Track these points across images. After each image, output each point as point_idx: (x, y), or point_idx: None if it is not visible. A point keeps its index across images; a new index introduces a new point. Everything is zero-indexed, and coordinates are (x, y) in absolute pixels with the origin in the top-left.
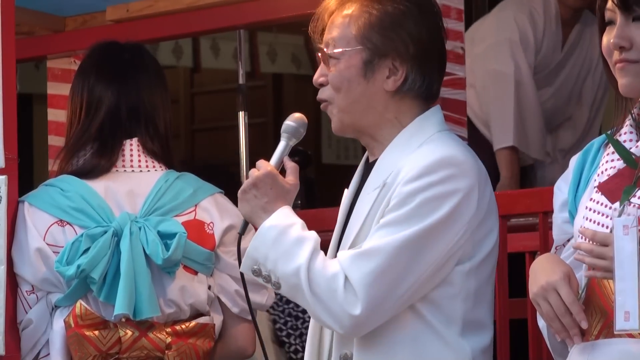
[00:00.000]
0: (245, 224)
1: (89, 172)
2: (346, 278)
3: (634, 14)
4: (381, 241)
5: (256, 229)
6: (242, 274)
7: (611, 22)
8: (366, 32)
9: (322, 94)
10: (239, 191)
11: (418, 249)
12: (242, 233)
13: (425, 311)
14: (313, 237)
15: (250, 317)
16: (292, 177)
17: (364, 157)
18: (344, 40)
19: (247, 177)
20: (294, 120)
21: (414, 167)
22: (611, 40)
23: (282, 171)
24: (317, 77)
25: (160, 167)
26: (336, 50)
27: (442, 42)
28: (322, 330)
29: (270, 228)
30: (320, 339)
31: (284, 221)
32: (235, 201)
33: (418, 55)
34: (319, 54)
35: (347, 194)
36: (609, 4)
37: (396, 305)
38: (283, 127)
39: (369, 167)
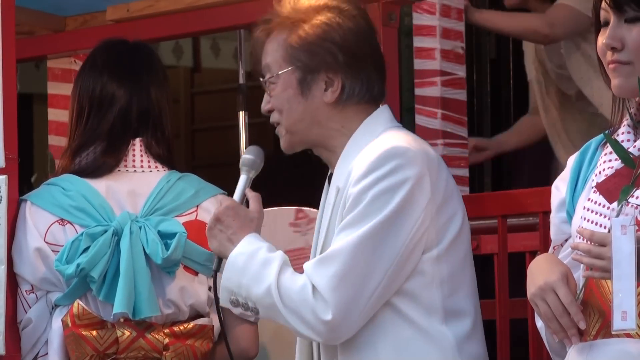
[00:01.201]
0: (219, 260)
1: (92, 172)
2: (313, 286)
3: (626, 15)
4: (340, 244)
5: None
6: (217, 308)
7: (606, 23)
8: (293, 52)
9: (273, 118)
10: (207, 229)
11: (376, 244)
12: (217, 270)
13: (402, 306)
14: (279, 256)
15: (252, 319)
16: (255, 205)
17: (329, 171)
18: (276, 64)
19: None
20: (250, 153)
21: (360, 166)
22: (603, 41)
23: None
24: (264, 106)
25: (163, 167)
26: (272, 76)
27: (372, 41)
28: (311, 344)
29: (237, 256)
30: (310, 353)
31: (250, 247)
32: None
33: (349, 63)
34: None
35: (320, 209)
36: (603, 4)
37: (370, 304)
38: (241, 161)
39: (330, 178)
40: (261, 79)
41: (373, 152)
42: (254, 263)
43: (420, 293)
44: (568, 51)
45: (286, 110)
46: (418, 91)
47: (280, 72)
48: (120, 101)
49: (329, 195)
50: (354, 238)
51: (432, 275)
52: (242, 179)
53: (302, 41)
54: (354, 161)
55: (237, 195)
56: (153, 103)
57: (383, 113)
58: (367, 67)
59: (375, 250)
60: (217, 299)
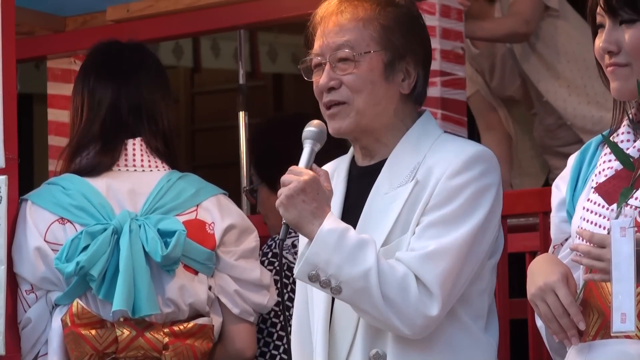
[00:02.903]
0: (287, 228)
1: (91, 171)
2: (417, 279)
3: (620, 18)
4: (445, 240)
5: (303, 234)
6: (281, 285)
7: (602, 26)
8: (388, 34)
9: (336, 95)
10: (284, 197)
11: (474, 245)
12: (284, 238)
13: (458, 308)
14: (372, 240)
15: (251, 319)
16: (327, 184)
17: (345, 163)
18: (362, 42)
19: (247, 177)
20: (315, 126)
21: (451, 162)
22: (600, 45)
23: None
24: (328, 81)
25: (164, 166)
26: (357, 53)
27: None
28: (337, 329)
29: (330, 232)
30: (331, 340)
31: (340, 225)
32: (236, 201)
33: (426, 60)
34: (319, 60)
35: (337, 198)
36: (599, 9)
37: (453, 303)
38: (305, 133)
39: (365, 170)
40: (334, 52)
41: (462, 152)
42: (347, 242)
43: (474, 298)
44: (521, 50)
45: (367, 91)
46: None
47: (369, 51)
48: (109, 100)
49: (383, 184)
50: (461, 236)
51: (487, 282)
52: (307, 151)
53: (395, 24)
54: (430, 157)
55: (303, 166)
56: (144, 98)
57: (432, 117)
58: (429, 69)
59: (472, 252)
60: (282, 269)
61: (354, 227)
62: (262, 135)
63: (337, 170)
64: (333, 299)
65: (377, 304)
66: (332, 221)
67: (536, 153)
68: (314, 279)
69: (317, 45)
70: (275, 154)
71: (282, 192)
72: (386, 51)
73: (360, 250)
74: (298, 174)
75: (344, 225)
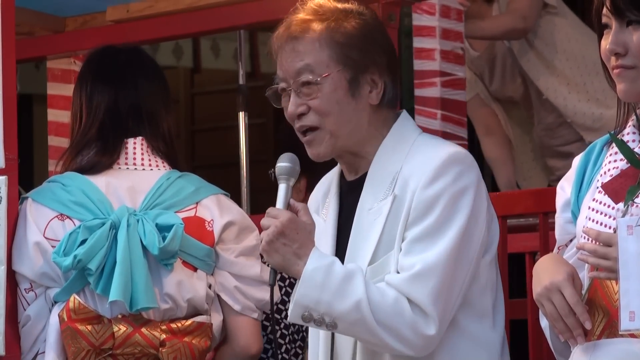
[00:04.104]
0: (275, 273)
1: (90, 169)
2: (409, 301)
3: (627, 20)
4: (429, 256)
5: (291, 276)
6: (272, 320)
7: (608, 27)
8: (345, 50)
9: (307, 120)
10: (264, 243)
11: (459, 253)
12: (273, 283)
13: (459, 314)
14: (357, 269)
15: (255, 315)
16: (307, 217)
17: (336, 177)
18: (321, 64)
19: (247, 178)
20: (286, 161)
21: (424, 171)
22: (607, 47)
23: None
24: (295, 108)
25: (164, 165)
26: (318, 76)
27: (394, 48)
28: (335, 348)
29: (314, 271)
30: (332, 356)
31: (324, 261)
32: (237, 201)
33: (390, 65)
34: (283, 86)
35: (330, 215)
36: (604, 10)
37: (452, 314)
38: (277, 170)
39: (351, 185)
40: (284, 85)
41: (433, 158)
42: (333, 278)
43: (475, 299)
44: (520, 48)
45: (336, 112)
46: (418, 92)
47: (329, 72)
48: (107, 101)
49: (366, 200)
50: (443, 250)
51: (486, 280)
52: (282, 188)
53: (351, 39)
54: (405, 166)
55: (280, 205)
56: (143, 99)
57: (409, 119)
58: (397, 72)
59: (459, 260)
60: (273, 313)
61: (347, 244)
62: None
63: (331, 184)
64: None
65: (374, 332)
66: (315, 259)
67: (536, 156)
68: (307, 319)
69: (279, 71)
70: (298, 148)
71: (262, 237)
72: (347, 68)
73: (348, 283)
74: (275, 216)
75: (328, 260)
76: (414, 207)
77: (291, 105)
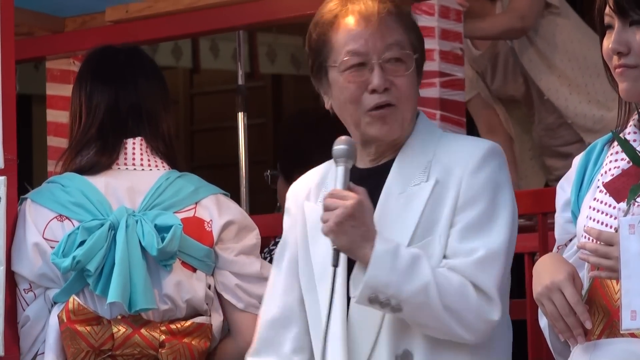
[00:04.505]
0: (337, 254)
1: (89, 169)
2: (475, 286)
3: (630, 19)
4: (491, 242)
5: (355, 258)
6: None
7: (610, 27)
8: (415, 36)
9: (389, 96)
10: (333, 224)
11: (511, 241)
12: (336, 265)
13: None
14: (422, 253)
15: (258, 311)
16: (367, 201)
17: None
18: (407, 44)
19: (246, 179)
20: (344, 143)
21: (469, 159)
22: (609, 46)
23: None
24: (383, 83)
25: (164, 166)
26: (406, 53)
27: None
28: (356, 328)
29: (384, 253)
30: (351, 339)
31: (391, 244)
32: (236, 201)
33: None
34: (361, 60)
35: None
36: (607, 9)
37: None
38: (336, 152)
39: (370, 172)
40: (378, 56)
41: (477, 148)
42: (402, 260)
43: (502, 287)
44: (519, 43)
45: (412, 95)
46: None
47: (411, 54)
48: (107, 101)
49: (396, 184)
50: (503, 236)
51: (509, 277)
52: (341, 170)
53: (417, 26)
54: (434, 156)
55: (340, 187)
56: (143, 100)
57: (424, 116)
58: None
59: (510, 247)
60: (332, 295)
61: None
62: (288, 129)
63: (328, 173)
64: (349, 300)
65: (438, 316)
66: (383, 242)
67: (534, 155)
68: (373, 301)
69: (356, 45)
70: (296, 151)
71: (330, 218)
72: (417, 54)
73: (415, 266)
74: (342, 197)
75: (394, 243)
76: (463, 192)
77: (379, 78)
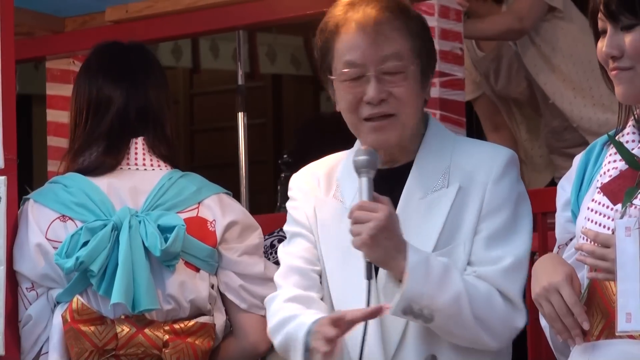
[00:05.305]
0: (370, 267)
1: (94, 170)
2: (501, 294)
3: (622, 24)
4: (517, 250)
5: (388, 269)
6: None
7: (604, 31)
8: (419, 44)
9: (386, 107)
10: (367, 237)
11: (530, 249)
12: (370, 278)
13: None
14: (451, 262)
15: (262, 312)
16: (394, 211)
17: (347, 162)
18: (407, 53)
19: (246, 178)
20: (365, 154)
21: (492, 166)
22: (603, 50)
23: None
24: (379, 94)
25: (166, 166)
26: (404, 64)
27: None
28: (384, 333)
29: (418, 265)
30: (379, 342)
31: (422, 255)
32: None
33: (435, 66)
34: (359, 72)
35: (355, 201)
36: (600, 14)
37: None
38: (358, 163)
39: (388, 173)
40: (375, 68)
41: (498, 155)
42: (434, 271)
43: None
44: (523, 47)
45: (412, 103)
46: None
47: (411, 63)
48: (117, 102)
49: (416, 188)
50: (526, 244)
51: None
52: (365, 181)
53: (424, 33)
54: (452, 161)
55: (366, 198)
56: (151, 101)
57: (435, 119)
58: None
59: (529, 255)
60: (368, 305)
61: None
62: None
63: (337, 167)
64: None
65: (468, 325)
66: (415, 252)
67: (543, 152)
68: (407, 311)
69: (353, 56)
70: (309, 153)
71: (362, 231)
72: (421, 61)
73: (447, 276)
74: (372, 210)
75: (425, 253)
76: (487, 200)
77: (374, 90)
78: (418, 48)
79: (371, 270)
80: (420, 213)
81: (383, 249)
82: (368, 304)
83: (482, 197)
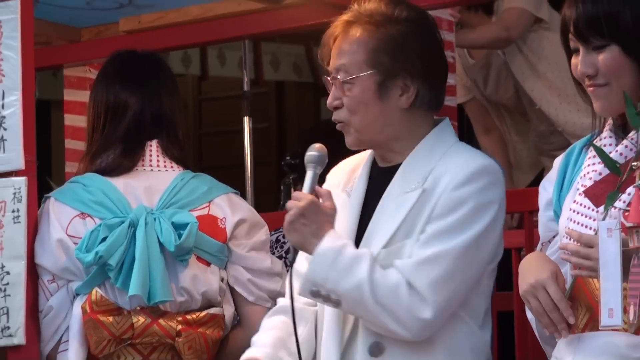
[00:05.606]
0: (295, 252)
1: (111, 171)
2: (409, 284)
3: (592, 45)
4: (442, 248)
5: (307, 253)
6: (291, 296)
7: (576, 50)
8: (376, 56)
9: (338, 115)
10: (286, 222)
11: (473, 254)
12: (293, 261)
13: (460, 310)
14: (367, 252)
15: (268, 305)
16: (329, 203)
17: (368, 162)
18: (355, 66)
19: (251, 179)
20: (316, 150)
21: (456, 174)
22: (579, 68)
23: None
24: (332, 101)
25: (178, 167)
26: (350, 77)
27: (443, 53)
28: (344, 319)
29: (327, 251)
30: (342, 328)
31: (337, 243)
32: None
33: (425, 71)
34: (329, 79)
35: (356, 196)
36: (570, 35)
37: (455, 307)
38: (307, 157)
39: (383, 171)
40: (329, 78)
41: (468, 164)
42: (343, 258)
43: (473, 299)
44: (511, 55)
45: (362, 112)
46: None
47: (361, 74)
48: (134, 107)
49: (396, 188)
50: (457, 246)
51: (485, 285)
52: (310, 175)
53: (385, 45)
54: (439, 166)
55: (306, 190)
56: (165, 107)
57: (449, 126)
58: (438, 77)
59: (471, 261)
60: (292, 289)
61: (368, 223)
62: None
63: (360, 167)
64: None
65: (372, 312)
66: (330, 240)
67: (532, 153)
68: (315, 294)
69: (329, 64)
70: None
71: (285, 217)
72: (377, 72)
73: (355, 264)
74: (298, 199)
75: (341, 242)
76: (440, 204)
77: (330, 98)
78: (374, 59)
79: (295, 255)
80: (390, 211)
81: (300, 234)
82: (291, 287)
83: (437, 201)
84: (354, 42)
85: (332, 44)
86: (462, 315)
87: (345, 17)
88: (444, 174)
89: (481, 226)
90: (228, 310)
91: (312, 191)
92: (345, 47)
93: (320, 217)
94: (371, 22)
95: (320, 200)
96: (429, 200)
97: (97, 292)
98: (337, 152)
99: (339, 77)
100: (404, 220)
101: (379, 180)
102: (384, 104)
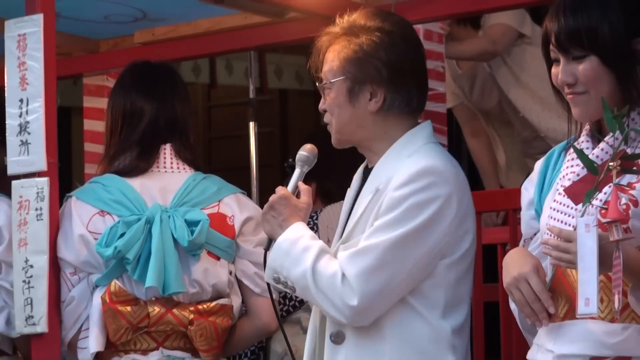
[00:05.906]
0: (270, 241)
1: (128, 172)
2: (343, 274)
3: (572, 55)
4: (374, 241)
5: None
6: (268, 286)
7: (556, 59)
8: (345, 64)
9: (325, 118)
10: (261, 214)
11: (405, 249)
12: (267, 249)
13: (411, 299)
14: (318, 244)
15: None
16: (305, 198)
17: (364, 164)
18: (331, 72)
19: (256, 180)
20: (306, 151)
21: (401, 175)
22: (559, 77)
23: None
24: (321, 106)
25: (190, 169)
26: (327, 82)
27: (417, 61)
28: (316, 309)
29: (284, 241)
30: (320, 319)
31: (295, 234)
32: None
33: (392, 78)
34: (319, 85)
35: (348, 195)
36: (551, 46)
37: (391, 297)
38: (297, 156)
39: (367, 172)
40: (318, 84)
41: (413, 165)
42: (296, 248)
43: (427, 291)
44: (496, 67)
45: (336, 114)
46: None
47: (333, 80)
48: (149, 113)
49: (366, 189)
50: (387, 239)
51: (442, 279)
52: (296, 172)
53: (354, 55)
54: (395, 167)
55: (290, 186)
56: (178, 114)
57: (425, 128)
58: (408, 83)
59: (403, 254)
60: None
61: None
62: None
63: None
64: None
65: (315, 297)
66: (290, 231)
67: (518, 155)
68: (277, 281)
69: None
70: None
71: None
72: (346, 79)
73: (304, 254)
74: (275, 192)
75: (300, 233)
76: (384, 203)
77: (320, 103)
78: (344, 68)
79: (269, 243)
80: (357, 209)
81: (269, 224)
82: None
83: (383, 201)
84: (334, 51)
85: (321, 55)
86: (416, 306)
87: (331, 28)
88: (395, 175)
89: (418, 222)
90: (236, 301)
91: (296, 187)
92: (328, 57)
93: (288, 209)
94: (349, 33)
95: (302, 196)
96: (379, 200)
97: (115, 284)
98: (334, 153)
99: (322, 83)
100: (359, 218)
101: (364, 180)
102: (354, 107)
